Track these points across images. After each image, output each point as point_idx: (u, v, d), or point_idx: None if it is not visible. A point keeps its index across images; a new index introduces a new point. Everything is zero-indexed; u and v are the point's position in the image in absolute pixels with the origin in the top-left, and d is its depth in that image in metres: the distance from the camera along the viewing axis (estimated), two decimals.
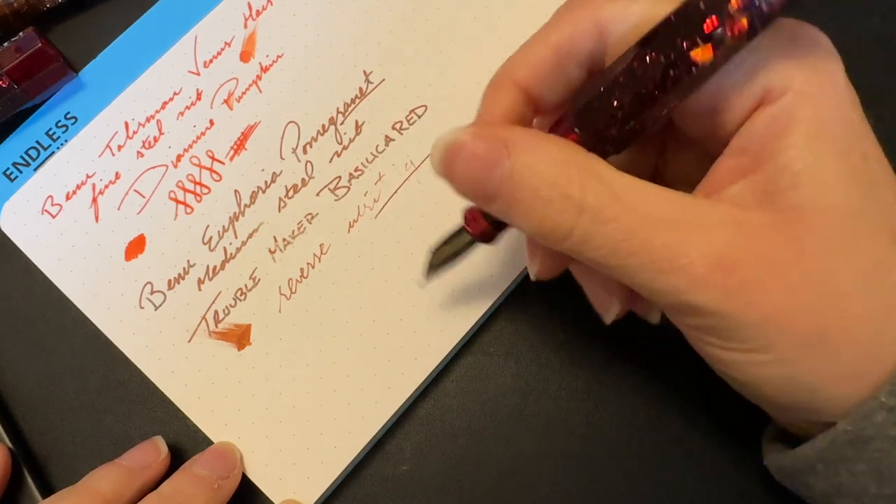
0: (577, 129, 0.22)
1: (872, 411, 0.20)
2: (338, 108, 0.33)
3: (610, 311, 0.25)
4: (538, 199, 0.21)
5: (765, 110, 0.20)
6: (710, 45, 0.20)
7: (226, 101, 0.33)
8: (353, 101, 0.33)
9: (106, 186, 0.32)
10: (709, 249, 0.20)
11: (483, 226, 0.25)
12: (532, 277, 0.26)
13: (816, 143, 0.20)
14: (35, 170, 0.33)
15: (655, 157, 0.26)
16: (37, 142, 0.33)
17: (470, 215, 0.25)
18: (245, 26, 0.34)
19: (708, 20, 0.19)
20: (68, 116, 0.34)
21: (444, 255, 0.27)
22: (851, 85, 0.22)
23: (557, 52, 0.23)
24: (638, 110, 0.21)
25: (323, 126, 0.33)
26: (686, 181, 0.23)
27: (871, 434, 0.20)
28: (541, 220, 0.21)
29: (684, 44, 0.20)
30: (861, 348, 0.20)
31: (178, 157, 0.33)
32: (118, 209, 0.32)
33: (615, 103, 0.21)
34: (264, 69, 0.34)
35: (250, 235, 0.32)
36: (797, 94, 0.20)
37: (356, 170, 0.32)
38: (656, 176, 0.26)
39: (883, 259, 0.20)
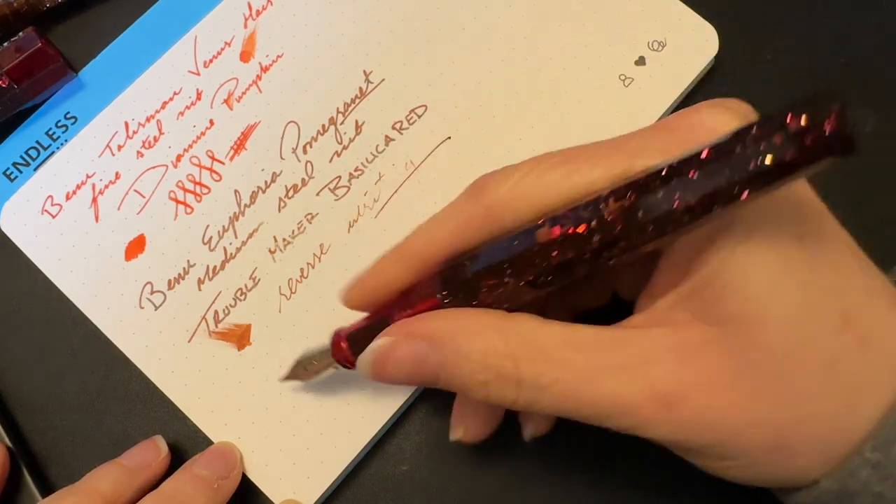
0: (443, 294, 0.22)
1: (857, 468, 0.20)
2: (338, 108, 0.33)
3: (455, 431, 0.26)
4: (475, 382, 0.21)
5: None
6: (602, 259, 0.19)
7: (226, 101, 0.33)
8: (353, 101, 0.33)
9: (106, 186, 0.32)
10: (652, 388, 0.20)
11: (347, 354, 0.25)
12: (453, 438, 0.26)
13: (742, 246, 0.19)
14: (35, 170, 0.33)
15: (610, 280, 0.26)
16: (37, 142, 0.33)
17: (336, 339, 0.26)
18: (245, 26, 0.34)
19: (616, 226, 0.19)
20: (68, 116, 0.34)
21: (307, 371, 0.28)
22: None
23: (451, 239, 0.22)
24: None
25: (323, 126, 0.33)
26: (642, 290, 0.23)
27: (856, 490, 0.20)
28: (485, 397, 0.21)
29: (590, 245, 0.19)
30: (824, 445, 0.20)
31: (178, 157, 0.33)
32: (118, 209, 0.32)
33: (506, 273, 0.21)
34: (264, 69, 0.34)
35: (250, 235, 0.32)
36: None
37: (356, 170, 0.32)
38: (614, 293, 0.26)
39: (833, 352, 0.20)
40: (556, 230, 0.19)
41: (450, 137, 0.33)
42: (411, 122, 0.33)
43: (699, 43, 0.33)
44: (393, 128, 0.33)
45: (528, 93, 0.33)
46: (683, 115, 0.21)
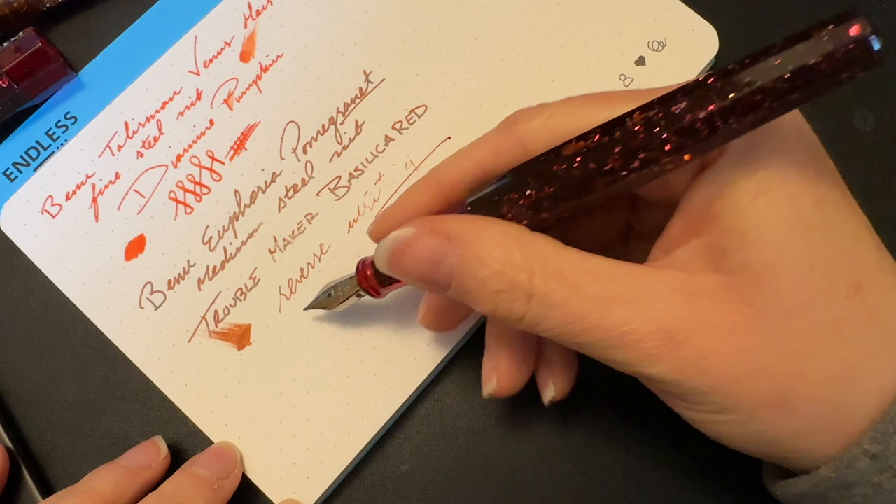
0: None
1: (855, 458, 0.20)
2: (338, 108, 0.33)
3: (487, 385, 0.26)
4: (487, 289, 0.21)
5: (707, 171, 0.20)
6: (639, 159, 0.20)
7: (226, 101, 0.33)
8: (353, 100, 0.33)
9: (106, 186, 0.32)
10: (657, 323, 0.20)
11: (372, 282, 0.26)
12: (486, 393, 0.26)
13: (761, 197, 0.19)
14: (35, 170, 0.33)
15: (627, 214, 0.26)
16: (37, 142, 0.33)
17: (362, 266, 0.26)
18: (245, 26, 0.34)
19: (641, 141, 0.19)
20: (68, 116, 0.34)
21: (331, 299, 0.28)
22: (805, 123, 0.21)
23: (482, 166, 0.23)
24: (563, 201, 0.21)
25: (323, 126, 0.33)
26: (659, 234, 0.23)
27: (854, 480, 0.20)
28: (493, 308, 0.21)
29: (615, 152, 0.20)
30: (822, 408, 0.20)
31: (178, 157, 0.33)
32: (118, 209, 0.32)
33: (533, 191, 0.21)
34: (264, 69, 0.34)
35: (250, 235, 0.32)
36: (735, 151, 0.20)
37: (356, 169, 0.32)
38: (630, 231, 0.26)
39: (841, 314, 0.20)
40: (581, 143, 0.20)
41: (450, 137, 0.33)
42: (411, 122, 0.33)
43: (699, 43, 0.33)
44: (393, 128, 0.33)
45: (528, 93, 0.33)
46: None
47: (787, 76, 0.17)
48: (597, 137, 0.20)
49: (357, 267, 0.27)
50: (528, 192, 0.21)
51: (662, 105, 0.19)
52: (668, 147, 0.19)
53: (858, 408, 0.20)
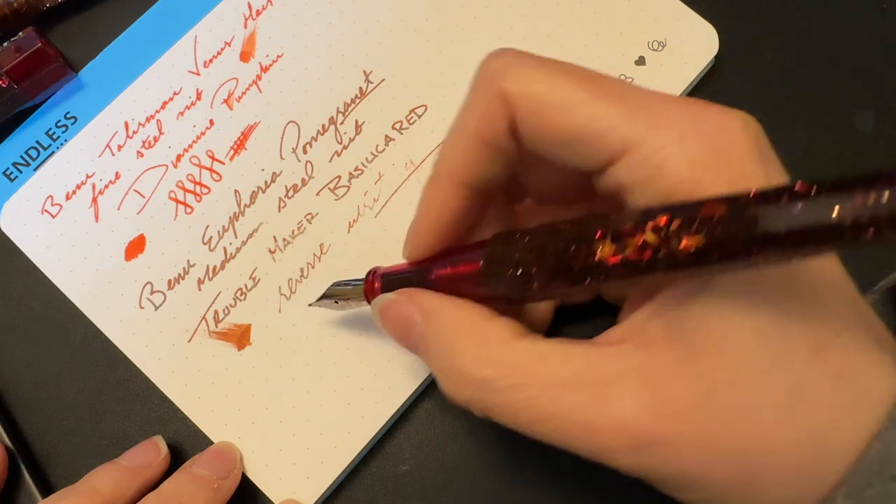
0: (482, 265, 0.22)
1: None
2: (338, 108, 0.33)
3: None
4: (438, 368, 0.22)
5: None
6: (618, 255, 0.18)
7: (226, 101, 0.33)
8: (353, 100, 0.33)
9: (106, 186, 0.32)
10: (613, 413, 0.19)
11: (376, 293, 0.26)
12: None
13: None
14: (35, 170, 0.33)
15: None
16: (37, 142, 0.33)
17: (372, 277, 0.26)
18: (245, 26, 0.34)
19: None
20: (68, 116, 0.34)
21: (336, 301, 0.28)
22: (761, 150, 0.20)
23: (478, 137, 0.22)
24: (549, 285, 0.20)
25: (323, 126, 0.33)
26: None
27: None
28: (443, 387, 0.22)
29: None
30: (792, 476, 0.19)
31: (178, 157, 0.33)
32: (118, 209, 0.32)
33: (530, 270, 0.20)
34: (264, 69, 0.34)
35: (250, 235, 0.32)
36: (704, 194, 0.19)
37: (356, 169, 0.32)
38: None
39: (801, 380, 0.19)
40: (608, 250, 0.18)
41: None
42: (411, 122, 0.33)
43: (699, 43, 0.33)
44: (393, 128, 0.33)
45: None
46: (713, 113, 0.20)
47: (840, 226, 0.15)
48: (623, 218, 0.18)
49: (367, 276, 0.27)
50: (546, 254, 0.20)
51: (682, 215, 0.17)
52: (684, 244, 0.17)
53: (830, 470, 0.19)
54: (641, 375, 0.19)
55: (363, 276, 0.27)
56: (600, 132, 0.19)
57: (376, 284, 0.26)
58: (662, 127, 0.19)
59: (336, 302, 0.28)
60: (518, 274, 0.20)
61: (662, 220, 0.17)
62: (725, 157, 0.19)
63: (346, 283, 0.28)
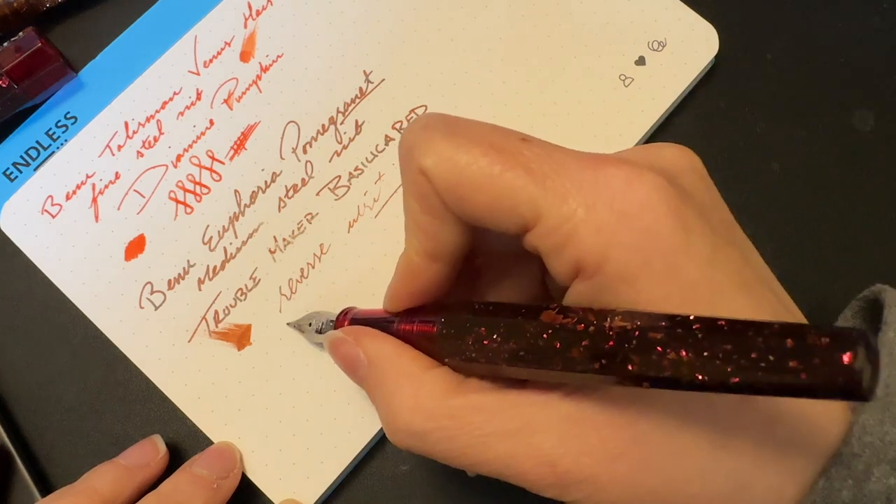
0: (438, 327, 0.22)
1: None
2: (338, 108, 0.33)
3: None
4: (379, 413, 0.23)
5: (580, 282, 0.20)
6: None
7: (226, 101, 0.33)
8: (353, 100, 0.33)
9: (106, 186, 0.32)
10: (539, 456, 0.20)
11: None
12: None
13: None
14: (35, 170, 0.33)
15: (541, 274, 0.25)
16: (37, 142, 0.33)
17: (342, 316, 0.27)
18: (245, 26, 0.34)
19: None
20: (68, 116, 0.34)
21: (310, 329, 0.29)
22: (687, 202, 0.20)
23: (421, 211, 0.22)
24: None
25: (323, 126, 0.33)
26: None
27: None
28: (386, 430, 0.22)
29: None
30: None
31: (178, 157, 0.33)
32: (118, 209, 0.32)
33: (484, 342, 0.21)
34: (264, 69, 0.34)
35: (250, 235, 0.32)
36: (612, 262, 0.19)
37: (356, 169, 0.32)
38: (544, 291, 0.26)
39: (729, 427, 0.19)
40: (559, 318, 0.19)
41: None
42: (411, 121, 0.33)
43: (699, 43, 0.33)
44: (393, 128, 0.33)
45: (528, 92, 0.33)
46: (617, 166, 0.20)
47: (764, 381, 0.15)
48: (569, 322, 0.19)
49: (338, 316, 0.28)
50: (494, 338, 0.20)
51: (642, 328, 0.17)
52: (633, 364, 0.17)
53: None
54: (567, 424, 0.20)
55: (340, 309, 0.28)
56: (511, 204, 0.20)
57: (346, 323, 0.27)
58: (570, 195, 0.19)
59: (310, 325, 0.29)
60: (469, 345, 0.21)
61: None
62: (633, 221, 0.19)
63: (322, 315, 0.29)
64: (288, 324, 0.30)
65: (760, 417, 0.19)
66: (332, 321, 0.28)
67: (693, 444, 0.19)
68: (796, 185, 0.33)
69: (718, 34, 0.33)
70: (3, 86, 0.32)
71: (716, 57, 0.33)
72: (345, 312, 0.28)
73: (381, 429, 0.29)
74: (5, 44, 0.33)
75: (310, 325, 0.29)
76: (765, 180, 0.33)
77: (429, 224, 0.22)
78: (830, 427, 0.19)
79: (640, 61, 0.33)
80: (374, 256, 0.31)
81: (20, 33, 0.33)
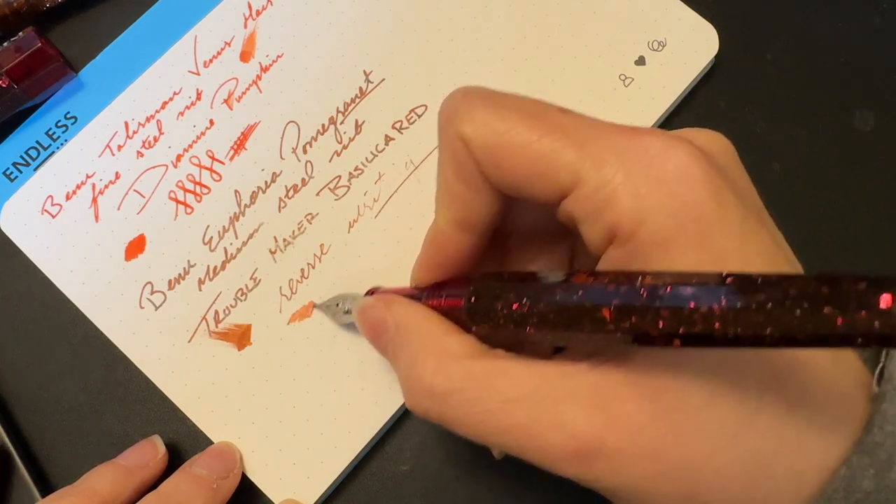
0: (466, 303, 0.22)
1: None
2: (338, 108, 0.33)
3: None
4: (401, 376, 0.23)
5: (614, 249, 0.20)
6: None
7: (226, 101, 0.33)
8: (353, 100, 0.33)
9: (106, 186, 0.32)
10: (563, 427, 0.19)
11: None
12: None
13: None
14: (35, 170, 0.33)
15: (570, 255, 0.25)
16: (37, 142, 0.33)
17: (369, 293, 0.28)
18: (245, 26, 0.34)
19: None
20: (68, 116, 0.34)
21: (336, 312, 0.30)
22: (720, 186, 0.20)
23: (456, 180, 0.22)
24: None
25: (323, 126, 0.33)
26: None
27: None
28: (405, 394, 0.22)
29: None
30: (736, 497, 0.19)
31: (178, 157, 0.33)
32: (118, 209, 0.32)
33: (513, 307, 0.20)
34: (264, 69, 0.34)
35: (251, 235, 0.32)
36: (648, 226, 0.19)
37: (356, 169, 0.32)
38: (572, 267, 0.26)
39: (754, 408, 0.19)
40: (590, 279, 0.19)
41: None
42: (411, 121, 0.33)
43: (699, 43, 0.33)
44: (393, 127, 0.33)
45: (528, 93, 0.33)
46: (658, 139, 0.20)
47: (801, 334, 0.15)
48: (605, 281, 0.19)
49: (367, 294, 0.28)
50: (524, 301, 0.20)
51: (674, 278, 0.17)
52: (660, 324, 0.17)
53: (776, 496, 0.19)
54: (593, 394, 0.19)
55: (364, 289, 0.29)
56: (549, 170, 0.20)
57: None
58: (609, 160, 0.19)
59: (338, 305, 0.29)
60: (498, 310, 0.21)
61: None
62: (670, 187, 0.19)
63: (350, 296, 0.30)
64: (315, 306, 0.30)
65: (786, 399, 0.19)
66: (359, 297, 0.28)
67: (720, 420, 0.19)
68: (796, 185, 0.33)
69: (718, 34, 0.33)
70: (3, 86, 0.32)
71: (716, 57, 0.33)
72: (371, 292, 0.28)
73: (381, 429, 0.29)
74: (5, 44, 0.33)
75: (337, 305, 0.29)
76: (765, 180, 0.33)
77: (463, 192, 0.22)
78: (853, 414, 0.19)
79: (640, 61, 0.33)
80: (374, 256, 0.31)
81: (20, 33, 0.33)
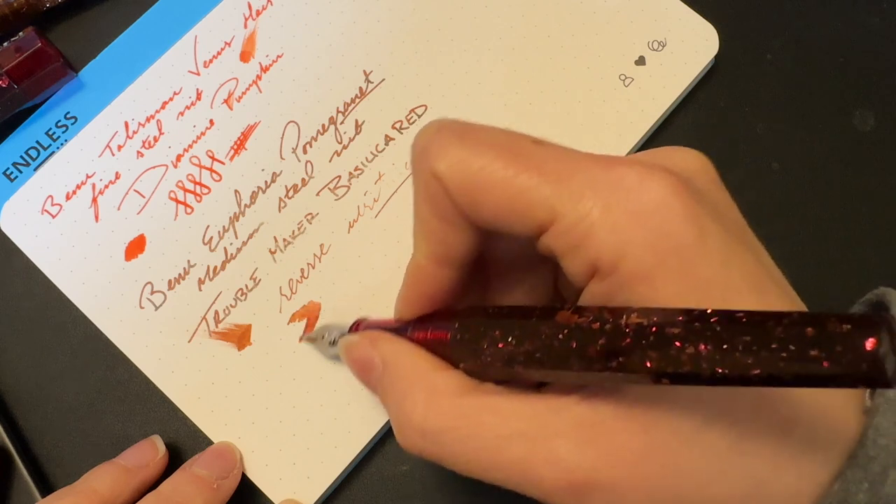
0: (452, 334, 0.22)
1: None
2: (338, 108, 0.33)
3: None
4: (392, 415, 0.22)
5: (596, 282, 0.20)
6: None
7: (226, 101, 0.33)
8: (353, 100, 0.33)
9: (106, 186, 0.32)
10: (556, 462, 0.19)
11: None
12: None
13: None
14: (35, 170, 0.33)
15: (553, 280, 0.25)
16: (37, 142, 0.33)
17: (355, 326, 0.28)
18: (245, 26, 0.34)
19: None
20: (68, 116, 0.34)
21: (322, 341, 0.29)
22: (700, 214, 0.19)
23: (432, 216, 0.22)
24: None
25: (323, 126, 0.33)
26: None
27: None
28: (396, 434, 0.22)
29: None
30: None
31: (178, 157, 0.33)
32: (118, 209, 0.32)
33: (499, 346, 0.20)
34: (264, 69, 0.34)
35: (251, 235, 0.32)
36: (628, 260, 0.19)
37: (356, 169, 0.32)
38: (557, 296, 0.26)
39: (745, 431, 0.19)
40: (574, 317, 0.19)
41: None
42: (411, 121, 0.33)
43: (699, 43, 0.33)
44: (393, 127, 0.33)
45: (528, 92, 0.33)
46: (635, 166, 0.20)
47: (787, 374, 0.15)
48: (585, 322, 0.19)
49: (351, 327, 0.28)
50: (510, 340, 0.20)
51: (661, 323, 0.17)
52: (650, 360, 0.17)
53: None
54: (584, 428, 0.19)
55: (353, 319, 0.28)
56: (526, 206, 0.20)
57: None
58: (585, 195, 0.19)
59: (323, 337, 0.29)
60: (484, 348, 0.21)
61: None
62: (648, 220, 0.19)
63: (335, 326, 0.29)
64: (301, 340, 0.30)
65: (778, 420, 0.19)
66: (344, 333, 0.28)
67: (711, 448, 0.19)
68: (796, 185, 0.33)
69: (718, 34, 0.33)
70: (3, 86, 0.32)
71: (716, 57, 0.33)
72: (356, 323, 0.28)
73: (381, 429, 0.29)
74: (5, 44, 0.33)
75: (323, 337, 0.29)
76: (765, 180, 0.33)
77: (439, 229, 0.22)
78: (845, 429, 0.19)
79: (640, 61, 0.33)
80: (374, 256, 0.31)
81: (20, 33, 0.33)
